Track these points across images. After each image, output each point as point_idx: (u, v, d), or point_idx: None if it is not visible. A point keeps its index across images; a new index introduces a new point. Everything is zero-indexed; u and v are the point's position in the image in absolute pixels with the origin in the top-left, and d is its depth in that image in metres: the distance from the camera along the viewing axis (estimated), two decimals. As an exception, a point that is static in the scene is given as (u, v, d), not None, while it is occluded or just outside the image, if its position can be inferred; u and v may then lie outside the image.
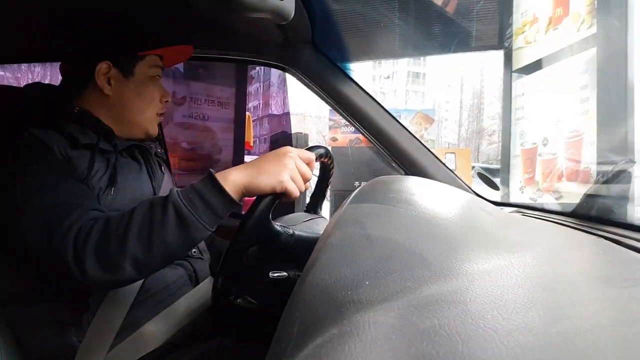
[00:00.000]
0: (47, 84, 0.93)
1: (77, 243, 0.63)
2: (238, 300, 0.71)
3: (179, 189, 0.68)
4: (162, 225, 0.64)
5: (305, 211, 1.04)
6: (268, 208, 0.68)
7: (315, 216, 1.01)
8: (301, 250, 0.71)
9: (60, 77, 0.92)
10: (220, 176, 0.67)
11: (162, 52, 0.91)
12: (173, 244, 0.65)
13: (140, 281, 0.77)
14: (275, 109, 6.15)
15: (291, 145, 0.90)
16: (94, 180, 0.76)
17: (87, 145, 0.79)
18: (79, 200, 0.70)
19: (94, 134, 0.80)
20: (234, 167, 0.70)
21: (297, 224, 0.87)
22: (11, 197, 0.69)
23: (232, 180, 0.67)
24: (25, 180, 0.70)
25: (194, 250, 0.90)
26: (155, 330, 0.78)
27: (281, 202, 0.71)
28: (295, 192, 0.70)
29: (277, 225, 0.72)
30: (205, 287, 0.87)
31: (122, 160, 0.83)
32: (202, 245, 0.96)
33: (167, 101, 0.93)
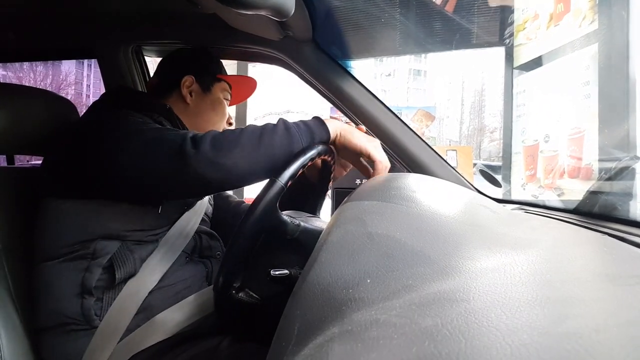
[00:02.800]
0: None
1: (196, 135, 0.73)
2: (240, 295, 0.70)
3: None
4: (272, 131, 0.75)
5: (305, 211, 1.03)
6: (276, 196, 0.67)
7: (315, 216, 0.99)
8: (307, 242, 0.70)
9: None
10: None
11: (232, 80, 1.13)
12: (278, 148, 0.74)
13: (161, 271, 0.82)
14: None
15: None
16: None
17: None
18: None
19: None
20: None
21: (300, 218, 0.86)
22: (111, 146, 0.75)
23: (333, 122, 0.81)
24: (125, 132, 0.76)
25: (217, 252, 0.96)
26: (167, 320, 0.80)
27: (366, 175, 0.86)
28: (386, 161, 0.82)
29: (284, 215, 0.71)
30: None
31: None
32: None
33: (230, 124, 1.13)
